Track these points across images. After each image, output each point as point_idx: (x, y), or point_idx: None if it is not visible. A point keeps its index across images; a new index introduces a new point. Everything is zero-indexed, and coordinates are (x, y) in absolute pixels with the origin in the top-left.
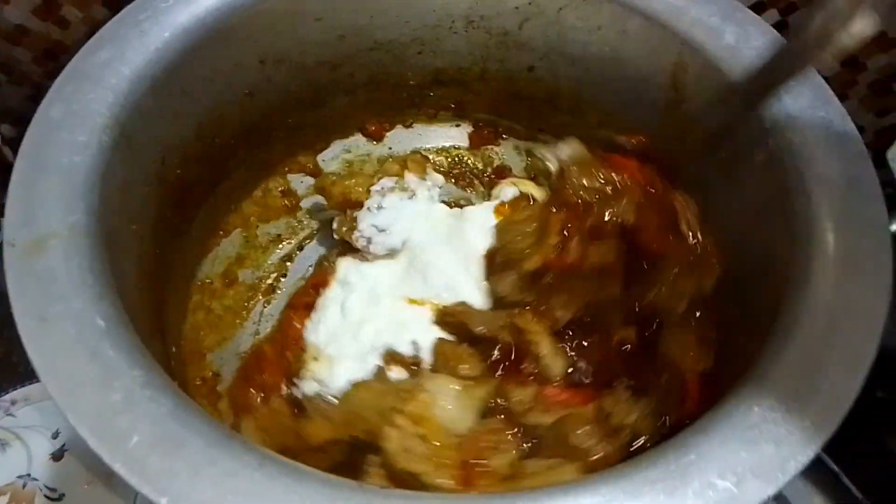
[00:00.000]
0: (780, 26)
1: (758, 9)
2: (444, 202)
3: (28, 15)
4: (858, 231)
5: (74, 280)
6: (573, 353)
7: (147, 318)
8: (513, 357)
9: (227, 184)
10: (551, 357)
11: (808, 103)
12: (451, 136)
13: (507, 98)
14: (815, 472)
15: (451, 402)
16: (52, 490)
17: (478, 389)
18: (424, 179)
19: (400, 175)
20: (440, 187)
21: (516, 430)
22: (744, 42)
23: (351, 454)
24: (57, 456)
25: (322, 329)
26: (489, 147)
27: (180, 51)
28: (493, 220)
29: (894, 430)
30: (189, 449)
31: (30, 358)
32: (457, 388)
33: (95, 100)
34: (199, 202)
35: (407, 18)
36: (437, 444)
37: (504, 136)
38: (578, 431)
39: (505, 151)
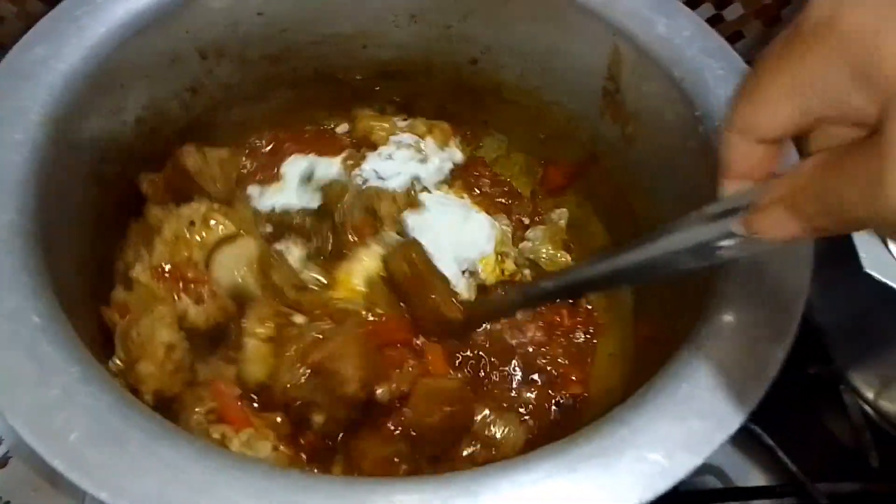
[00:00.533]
0: (714, 20)
1: (693, 3)
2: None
3: None
4: None
5: (7, 278)
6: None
7: (87, 316)
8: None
9: None
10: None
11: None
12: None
13: (453, 90)
14: (752, 447)
15: None
16: None
17: None
18: (443, 150)
19: (424, 137)
20: (455, 163)
21: None
22: (675, 32)
23: None
24: (1, 463)
25: None
26: None
27: (117, 46)
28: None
29: (826, 404)
30: (130, 443)
31: None
32: None
33: (30, 97)
34: (141, 201)
35: (350, 12)
36: None
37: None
38: None
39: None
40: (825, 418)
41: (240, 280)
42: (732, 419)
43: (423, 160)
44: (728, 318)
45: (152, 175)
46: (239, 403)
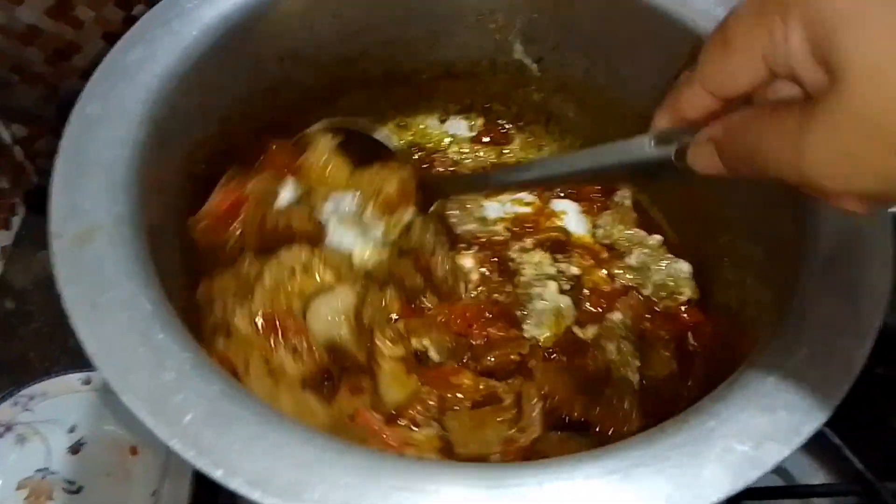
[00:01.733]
0: None
1: None
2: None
3: (41, 15)
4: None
5: (122, 268)
6: None
7: (187, 308)
8: None
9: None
10: None
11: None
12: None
13: (516, 89)
14: (816, 446)
15: None
16: (71, 483)
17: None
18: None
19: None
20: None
21: None
22: None
23: None
24: (74, 449)
25: None
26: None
27: (207, 48)
28: None
29: (893, 405)
30: (240, 425)
31: (83, 343)
32: None
33: (130, 97)
34: None
35: (420, 13)
36: None
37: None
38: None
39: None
40: (891, 419)
41: (337, 334)
42: (820, 411)
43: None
44: (812, 313)
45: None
46: (388, 428)
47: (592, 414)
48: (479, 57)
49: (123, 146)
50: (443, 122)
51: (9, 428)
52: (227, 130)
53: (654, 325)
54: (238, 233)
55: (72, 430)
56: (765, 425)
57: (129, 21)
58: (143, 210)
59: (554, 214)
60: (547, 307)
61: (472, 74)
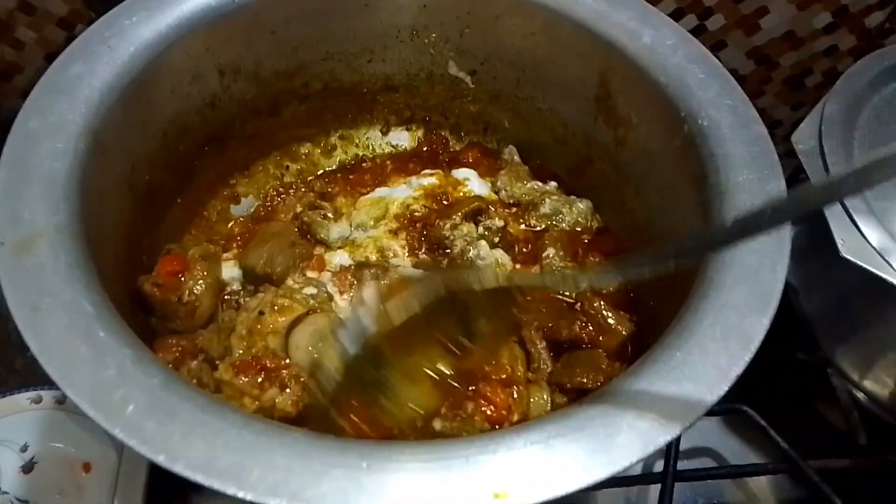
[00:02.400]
0: (697, 31)
1: (677, 15)
2: None
3: None
4: (761, 199)
5: (62, 274)
6: None
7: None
8: None
9: (191, 190)
10: None
11: (715, 92)
12: (402, 139)
13: (453, 100)
14: (746, 429)
15: None
16: (24, 502)
17: None
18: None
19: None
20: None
21: None
22: (659, 41)
23: None
24: (27, 468)
25: None
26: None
27: (145, 64)
28: None
29: (816, 388)
30: (181, 414)
31: (28, 343)
32: None
33: (70, 110)
34: (165, 208)
35: (357, 28)
36: None
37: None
38: None
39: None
40: (815, 401)
41: (315, 355)
42: (722, 382)
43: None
44: (716, 297)
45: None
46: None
47: (576, 332)
48: (416, 70)
49: (64, 157)
50: (385, 133)
51: None
52: (167, 144)
53: (582, 251)
54: (195, 288)
55: (23, 449)
56: (673, 396)
57: (71, 41)
58: (83, 219)
59: (459, 182)
60: (487, 264)
61: (411, 87)
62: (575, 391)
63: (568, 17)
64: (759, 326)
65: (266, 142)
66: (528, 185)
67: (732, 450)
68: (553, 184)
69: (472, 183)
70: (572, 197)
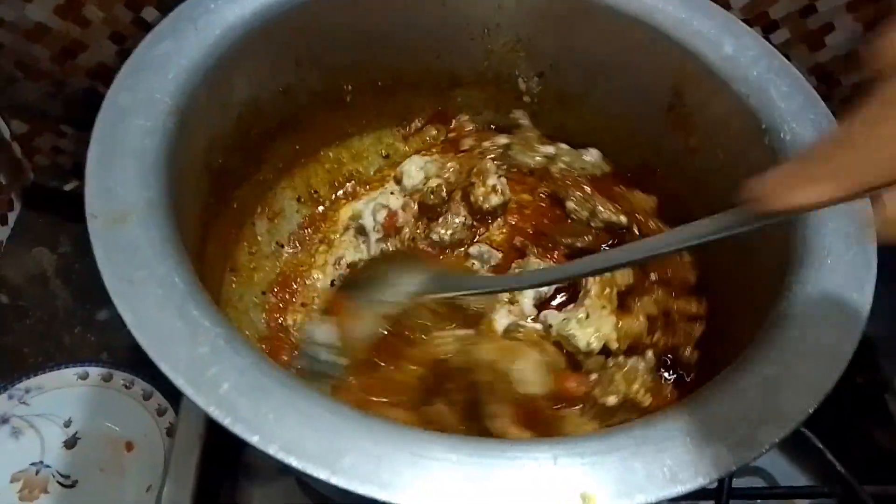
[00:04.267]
0: None
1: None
2: None
3: (49, 14)
4: (847, 223)
5: (155, 249)
6: None
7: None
8: None
9: (258, 176)
10: None
11: (799, 105)
12: None
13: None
14: (799, 450)
15: None
16: (66, 477)
17: None
18: None
19: None
20: None
21: None
22: (741, 52)
23: None
24: (70, 444)
25: None
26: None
27: (229, 46)
28: None
29: (873, 413)
30: (273, 395)
31: (122, 316)
32: None
33: (158, 88)
34: (234, 190)
35: (430, 24)
36: None
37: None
38: None
39: None
40: (871, 426)
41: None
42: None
43: None
44: (795, 321)
45: None
46: None
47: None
48: (483, 68)
49: (153, 134)
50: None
51: (4, 421)
52: (240, 128)
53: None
54: None
55: (67, 424)
56: (760, 412)
57: (138, 22)
58: (171, 196)
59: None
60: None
61: (477, 85)
62: None
63: (646, 24)
64: (845, 346)
65: (334, 132)
66: (542, 151)
67: (782, 470)
68: (563, 145)
69: None
70: (580, 150)
